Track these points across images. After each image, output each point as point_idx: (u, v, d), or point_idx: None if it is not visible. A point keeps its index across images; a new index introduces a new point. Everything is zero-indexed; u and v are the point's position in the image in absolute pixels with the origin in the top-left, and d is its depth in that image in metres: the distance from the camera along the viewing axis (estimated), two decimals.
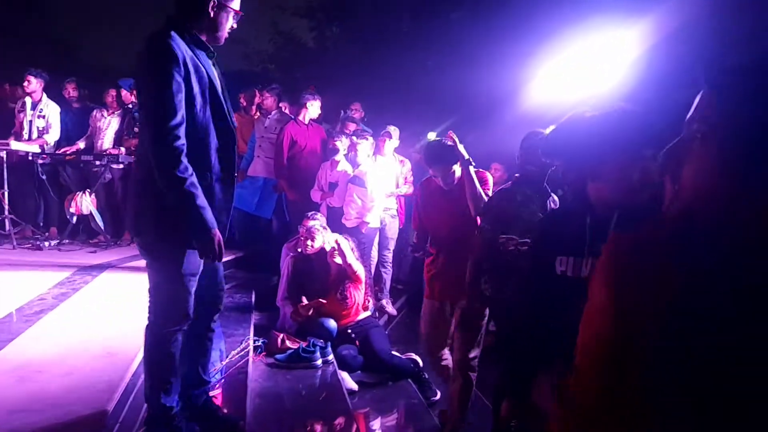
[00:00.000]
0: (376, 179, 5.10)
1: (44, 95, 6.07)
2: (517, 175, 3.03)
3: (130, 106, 5.98)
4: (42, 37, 8.96)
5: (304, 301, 4.18)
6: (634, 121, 1.73)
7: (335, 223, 5.10)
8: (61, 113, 6.16)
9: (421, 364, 4.04)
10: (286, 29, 14.65)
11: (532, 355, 2.01)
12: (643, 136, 1.67)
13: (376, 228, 5.14)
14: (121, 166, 5.87)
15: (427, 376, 3.98)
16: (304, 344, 3.87)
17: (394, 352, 4.13)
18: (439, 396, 3.90)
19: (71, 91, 6.36)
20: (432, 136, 8.31)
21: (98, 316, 3.59)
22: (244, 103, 6.65)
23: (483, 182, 3.32)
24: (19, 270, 4.75)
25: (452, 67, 8.10)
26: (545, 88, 5.17)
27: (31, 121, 5.97)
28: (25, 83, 5.93)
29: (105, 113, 6.18)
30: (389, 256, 5.41)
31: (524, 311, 2.25)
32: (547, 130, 3.34)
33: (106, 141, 6.14)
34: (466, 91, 7.30)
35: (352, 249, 4.29)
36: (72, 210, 5.61)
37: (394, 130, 5.36)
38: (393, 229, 5.42)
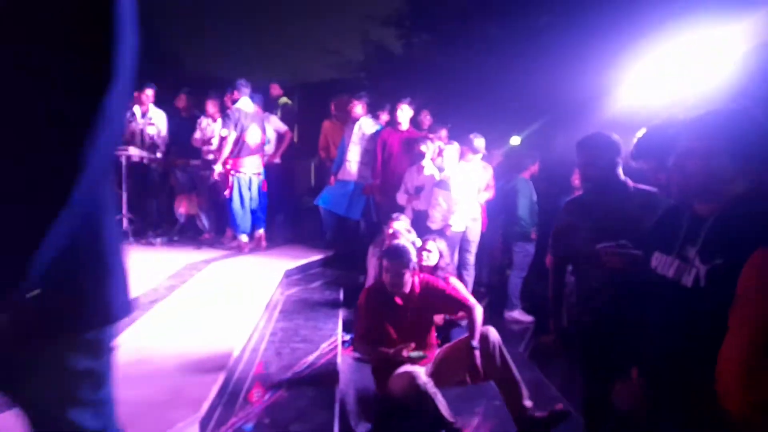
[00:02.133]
0: (461, 183, 5.18)
1: (151, 104, 6.62)
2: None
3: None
4: (148, 50, 9.77)
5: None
6: (740, 122, 1.66)
7: (420, 226, 5.23)
8: (170, 121, 6.73)
9: None
10: (376, 38, 15.04)
11: (615, 357, 2.02)
12: (729, 133, 1.62)
13: (460, 231, 5.20)
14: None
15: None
16: None
17: None
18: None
19: (184, 100, 6.81)
20: (516, 140, 8.26)
21: (204, 305, 3.93)
22: (335, 110, 6.94)
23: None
24: (134, 262, 5.25)
25: (540, 70, 7.98)
26: (636, 89, 5.03)
27: (142, 129, 6.54)
28: (144, 96, 6.50)
29: (210, 122, 6.65)
30: (471, 259, 5.45)
31: (613, 305, 2.23)
32: (639, 133, 3.30)
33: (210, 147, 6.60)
34: (554, 93, 7.20)
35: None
36: (181, 210, 6.13)
37: (480, 143, 5.40)
38: (475, 233, 5.45)
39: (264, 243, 6.17)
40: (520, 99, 8.50)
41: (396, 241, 3.57)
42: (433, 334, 3.50)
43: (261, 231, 6.16)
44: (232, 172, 5.88)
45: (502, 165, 5.94)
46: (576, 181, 4.98)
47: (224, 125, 5.81)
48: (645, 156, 2.88)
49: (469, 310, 3.27)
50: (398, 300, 3.30)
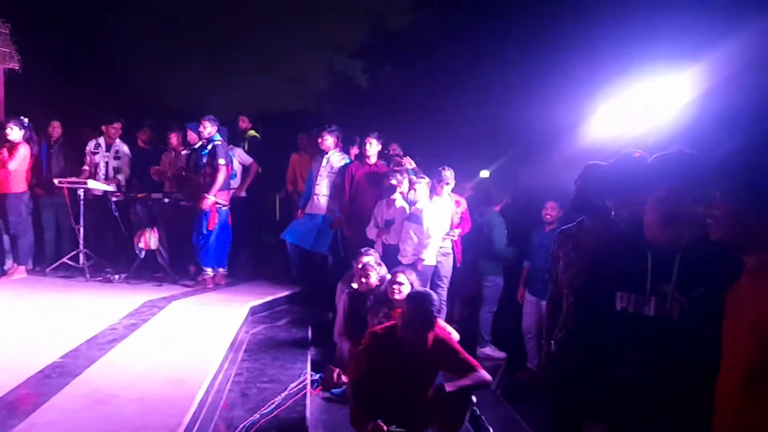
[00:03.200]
0: (432, 217, 5.16)
1: (118, 138, 6.50)
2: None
3: (196, 146, 6.27)
4: (111, 81, 9.58)
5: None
6: (681, 162, 1.77)
7: (391, 260, 5.16)
8: (131, 154, 6.58)
9: (474, 400, 3.97)
10: (341, 69, 15.20)
11: (583, 398, 1.99)
12: (692, 177, 1.70)
13: (431, 265, 5.16)
14: (178, 203, 6.17)
15: (479, 413, 3.90)
16: None
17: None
18: None
19: (147, 133, 6.73)
20: (485, 173, 8.36)
21: (165, 346, 3.74)
22: (303, 143, 6.90)
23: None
24: (91, 299, 5.03)
25: (507, 103, 8.18)
26: (601, 126, 5.16)
27: (107, 162, 6.39)
28: (112, 130, 6.46)
29: (171, 155, 6.53)
30: (444, 294, 5.40)
31: (578, 348, 2.20)
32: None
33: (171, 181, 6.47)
34: (521, 127, 7.35)
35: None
36: (141, 245, 5.91)
37: (449, 174, 5.42)
38: (447, 267, 5.43)
39: (224, 280, 6.05)
40: (487, 132, 8.66)
41: (422, 292, 3.31)
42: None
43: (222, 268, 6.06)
44: (218, 204, 5.81)
45: (473, 198, 5.97)
46: (548, 215, 5.03)
47: (220, 156, 5.78)
48: (605, 193, 2.92)
49: (476, 380, 3.07)
50: (408, 350, 3.08)
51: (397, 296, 3.89)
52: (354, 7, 12.26)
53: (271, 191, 7.71)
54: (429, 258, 5.12)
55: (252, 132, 7.47)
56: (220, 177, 5.75)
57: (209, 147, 5.90)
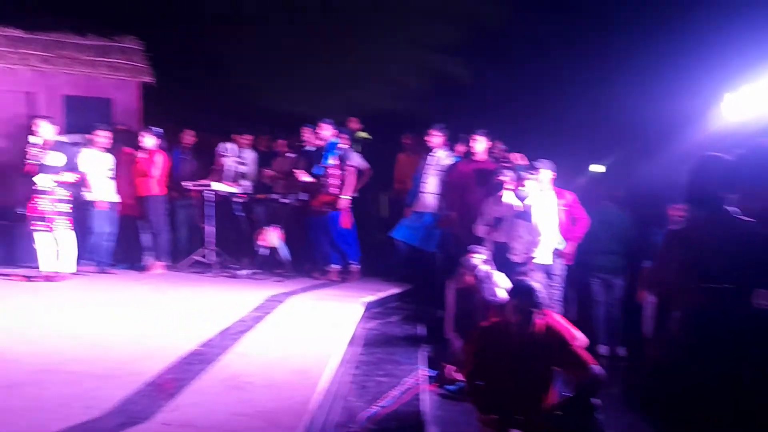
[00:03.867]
0: (543, 213, 5.05)
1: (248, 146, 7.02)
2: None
3: (309, 149, 6.63)
4: (229, 87, 10.25)
5: None
6: None
7: (501, 258, 5.12)
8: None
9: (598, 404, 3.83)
10: (441, 67, 15.11)
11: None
12: None
13: (544, 264, 5.05)
14: (296, 203, 6.55)
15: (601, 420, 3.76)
16: None
17: None
18: None
19: (283, 144, 7.17)
20: (598, 168, 8.00)
21: (290, 338, 3.98)
22: (409, 143, 7.01)
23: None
24: (221, 293, 5.47)
25: (622, 95, 7.75)
26: (728, 114, 4.77)
27: (234, 166, 6.89)
28: (242, 139, 7.06)
29: (280, 159, 6.96)
30: (557, 293, 5.27)
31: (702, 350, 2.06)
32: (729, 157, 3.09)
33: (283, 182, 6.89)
34: (639, 119, 6.94)
35: None
36: (261, 243, 6.32)
37: (545, 164, 5.29)
38: (557, 266, 5.28)
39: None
40: (601, 125, 8.26)
41: (524, 279, 3.33)
42: (554, 392, 3.15)
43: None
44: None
45: (588, 194, 5.77)
46: (674, 212, 4.75)
47: (350, 159, 6.29)
48: (735, 185, 2.69)
49: (590, 379, 2.98)
50: (517, 343, 3.04)
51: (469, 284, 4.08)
52: (454, 4, 12.13)
53: (378, 190, 7.89)
54: (541, 256, 5.01)
55: (363, 133, 7.70)
56: (353, 178, 6.21)
57: (336, 150, 6.21)
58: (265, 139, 7.26)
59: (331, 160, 6.24)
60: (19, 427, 2.40)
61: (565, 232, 5.34)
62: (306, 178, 6.37)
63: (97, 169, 6.33)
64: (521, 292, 3.07)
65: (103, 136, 6.44)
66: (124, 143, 6.81)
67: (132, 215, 6.67)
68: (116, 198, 6.44)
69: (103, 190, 6.34)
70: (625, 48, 7.95)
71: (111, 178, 6.43)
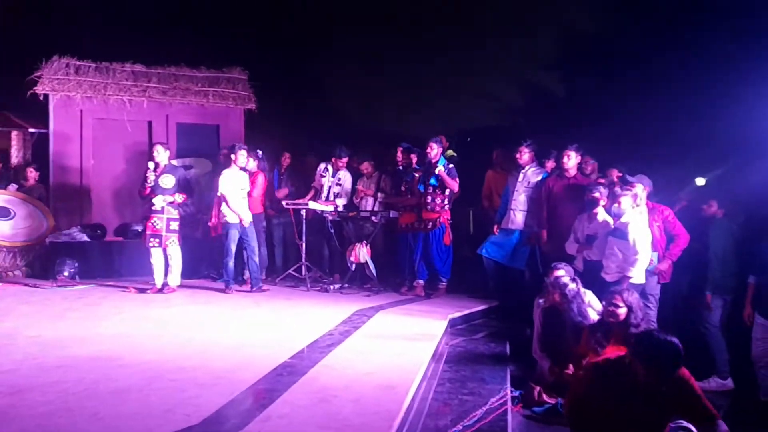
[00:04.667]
0: (639, 231, 4.82)
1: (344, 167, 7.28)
2: None
3: (405, 167, 6.82)
4: (324, 110, 10.72)
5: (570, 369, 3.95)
6: None
7: (594, 278, 4.94)
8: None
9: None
10: (535, 81, 14.84)
11: None
12: None
13: (639, 284, 4.81)
14: (384, 221, 6.75)
15: None
16: (561, 400, 3.80)
17: None
18: None
19: (368, 166, 7.33)
20: (701, 181, 7.49)
21: (375, 352, 4.08)
22: (497, 159, 6.97)
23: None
24: (312, 307, 5.72)
25: (723, 107, 7.25)
26: None
27: (330, 187, 7.21)
28: (340, 162, 7.24)
29: (365, 180, 7.18)
30: (653, 315, 4.99)
31: None
32: None
33: (370, 201, 7.09)
34: (745, 127, 6.45)
35: None
36: (351, 259, 6.53)
37: (641, 179, 5.06)
38: (652, 285, 5.01)
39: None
40: (702, 136, 7.75)
41: (670, 339, 2.85)
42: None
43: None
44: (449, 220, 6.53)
45: (692, 209, 5.45)
46: None
47: (455, 177, 6.47)
48: None
49: (712, 417, 2.80)
50: (638, 387, 2.84)
51: (613, 318, 3.73)
52: (544, 15, 11.92)
53: (464, 206, 7.88)
54: (637, 275, 4.78)
55: (450, 151, 7.76)
56: (455, 196, 6.60)
57: (440, 167, 6.37)
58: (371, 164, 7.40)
59: (440, 168, 6.36)
60: None
61: (662, 250, 5.06)
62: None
63: (236, 187, 6.42)
64: (664, 354, 2.77)
65: (242, 156, 6.51)
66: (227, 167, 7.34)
67: None
68: (249, 216, 6.53)
69: (242, 207, 6.46)
70: (726, 54, 7.44)
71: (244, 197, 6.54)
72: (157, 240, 6.25)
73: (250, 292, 6.44)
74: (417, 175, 6.51)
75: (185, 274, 6.60)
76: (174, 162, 7.16)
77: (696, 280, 5.03)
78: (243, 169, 6.58)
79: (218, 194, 6.38)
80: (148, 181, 6.28)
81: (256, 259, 6.54)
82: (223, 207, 6.38)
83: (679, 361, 2.77)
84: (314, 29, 10.76)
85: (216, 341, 4.32)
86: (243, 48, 9.44)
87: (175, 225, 6.33)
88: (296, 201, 6.98)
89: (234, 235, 6.41)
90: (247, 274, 7.06)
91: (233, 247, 6.42)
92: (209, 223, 7.21)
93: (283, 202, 7.07)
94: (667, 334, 2.84)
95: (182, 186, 6.43)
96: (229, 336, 4.51)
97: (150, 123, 8.23)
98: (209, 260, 7.43)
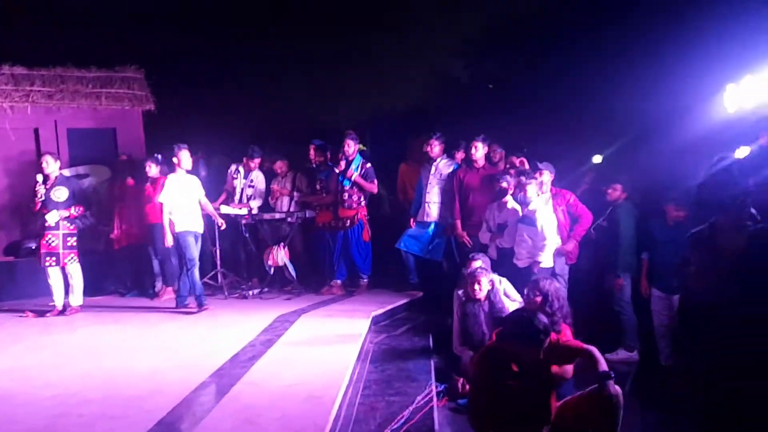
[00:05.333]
0: (546, 217, 5.04)
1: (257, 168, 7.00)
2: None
3: (315, 165, 6.72)
4: (232, 107, 10.32)
5: None
6: None
7: (506, 264, 5.12)
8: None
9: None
10: (443, 68, 15.13)
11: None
12: None
13: (549, 267, 5.04)
14: (300, 221, 6.64)
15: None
16: None
17: None
18: None
19: (281, 165, 7.11)
20: (598, 158, 7.95)
21: (299, 361, 4.00)
22: (409, 152, 7.03)
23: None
24: (231, 316, 5.52)
25: (620, 86, 7.70)
26: (730, 104, 4.73)
27: (242, 189, 6.95)
28: (252, 163, 6.94)
29: (279, 179, 7.01)
30: (562, 293, 5.24)
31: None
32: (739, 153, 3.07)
33: (285, 201, 6.92)
34: (637, 109, 6.89)
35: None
36: (269, 262, 6.37)
37: (546, 166, 5.30)
38: (560, 266, 5.27)
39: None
40: (599, 117, 8.21)
41: (520, 312, 3.18)
42: (553, 398, 3.12)
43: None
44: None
45: (590, 190, 5.76)
46: (672, 210, 4.74)
47: (373, 176, 6.40)
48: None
49: (587, 353, 2.98)
50: (515, 367, 2.98)
51: (477, 295, 4.19)
52: (454, 4, 12.16)
53: (380, 200, 7.87)
54: (546, 260, 5.01)
55: (360, 146, 7.71)
56: (372, 192, 6.50)
57: (357, 166, 6.33)
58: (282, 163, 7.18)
59: (355, 175, 6.30)
60: None
61: (567, 232, 5.31)
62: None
63: (184, 193, 5.88)
64: (529, 328, 2.91)
65: (185, 156, 5.90)
66: (127, 173, 6.91)
67: (139, 243, 6.76)
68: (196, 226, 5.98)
69: (196, 215, 5.97)
70: (627, 40, 7.89)
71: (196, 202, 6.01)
72: (54, 258, 5.78)
73: (198, 311, 5.76)
74: (338, 171, 6.42)
75: (88, 291, 6.17)
76: (65, 172, 6.63)
77: (606, 261, 5.31)
78: (117, 179, 6.34)
79: (159, 202, 5.86)
80: (38, 195, 5.78)
81: (196, 273, 5.88)
82: (174, 215, 5.80)
83: (546, 332, 2.90)
84: (220, 21, 10.31)
85: (127, 366, 4.05)
86: (139, 44, 8.84)
87: (72, 241, 5.88)
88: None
89: (192, 242, 5.82)
90: (159, 286, 6.72)
91: (195, 254, 5.83)
92: (111, 235, 6.81)
93: None
94: (531, 312, 3.03)
95: (78, 198, 5.97)
96: (142, 358, 4.24)
97: (36, 130, 7.53)
98: (114, 275, 7.00)
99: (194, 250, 5.83)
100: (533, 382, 2.99)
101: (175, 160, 5.89)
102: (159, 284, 6.75)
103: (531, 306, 3.90)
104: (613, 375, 2.84)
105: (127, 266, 7.02)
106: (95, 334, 5.10)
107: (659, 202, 5.03)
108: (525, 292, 4.11)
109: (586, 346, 3.08)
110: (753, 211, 2.46)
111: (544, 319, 2.95)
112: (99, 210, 7.06)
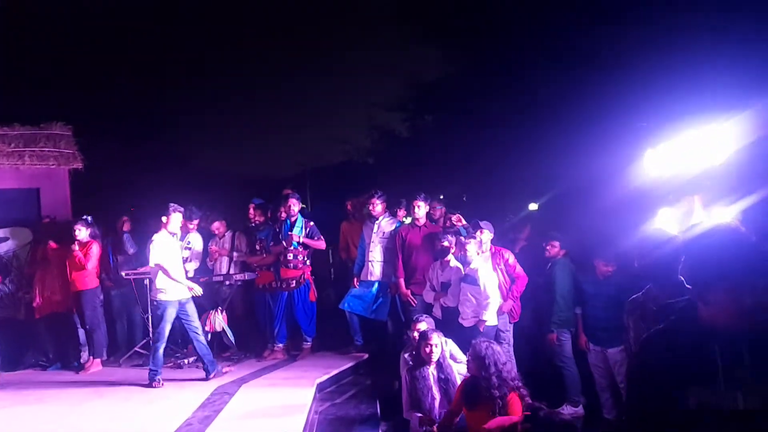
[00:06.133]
0: (487, 276, 5.11)
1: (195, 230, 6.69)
2: None
3: (253, 224, 6.57)
4: (168, 153, 10.10)
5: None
6: (744, 245, 1.68)
7: (450, 323, 5.12)
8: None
9: None
10: (382, 122, 15.52)
11: None
12: (756, 263, 1.61)
13: (493, 325, 5.08)
14: (240, 283, 6.42)
15: None
16: None
17: None
18: None
19: (219, 226, 6.84)
20: (534, 206, 8.28)
21: None
22: (351, 209, 7.01)
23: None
24: (165, 389, 5.18)
25: (549, 146, 8.11)
26: (652, 168, 5.04)
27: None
28: (190, 224, 6.58)
29: (217, 240, 6.77)
30: (510, 350, 5.28)
31: None
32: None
33: (224, 262, 6.70)
34: (566, 172, 7.25)
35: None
36: (207, 328, 6.08)
37: (485, 225, 5.44)
38: (503, 322, 5.33)
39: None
40: (532, 177, 8.60)
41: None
42: None
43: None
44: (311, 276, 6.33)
45: (529, 246, 5.92)
46: (601, 266, 4.93)
47: (318, 234, 6.28)
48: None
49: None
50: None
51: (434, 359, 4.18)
52: (390, 61, 12.61)
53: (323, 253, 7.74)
54: (490, 318, 5.04)
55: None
56: (320, 249, 6.46)
57: (301, 224, 6.25)
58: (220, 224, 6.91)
59: (301, 236, 6.18)
60: None
61: (506, 291, 5.39)
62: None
63: (173, 255, 5.52)
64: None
65: (176, 218, 5.54)
66: (50, 236, 6.51)
67: (63, 312, 6.33)
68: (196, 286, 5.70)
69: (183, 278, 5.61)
70: (554, 103, 8.38)
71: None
72: None
73: (207, 379, 5.38)
74: (278, 229, 6.30)
75: (6, 365, 5.68)
76: None
77: (543, 318, 5.42)
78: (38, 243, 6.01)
79: (151, 265, 5.39)
80: None
81: (202, 339, 5.53)
82: (158, 280, 5.36)
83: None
84: (147, 73, 10.17)
85: None
86: (66, 100, 8.55)
87: None
88: (138, 270, 6.33)
89: (171, 315, 5.38)
90: (85, 357, 6.27)
91: (167, 329, 5.40)
92: (33, 303, 6.34)
93: (123, 273, 6.40)
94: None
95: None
96: None
97: None
98: (35, 346, 6.48)
99: (168, 325, 5.40)
100: None
101: (164, 219, 5.46)
102: (85, 355, 6.29)
103: (470, 371, 3.92)
104: None
105: (50, 336, 6.52)
106: (16, 416, 4.63)
107: (590, 258, 5.23)
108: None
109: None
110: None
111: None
112: (20, 276, 6.59)
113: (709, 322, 1.70)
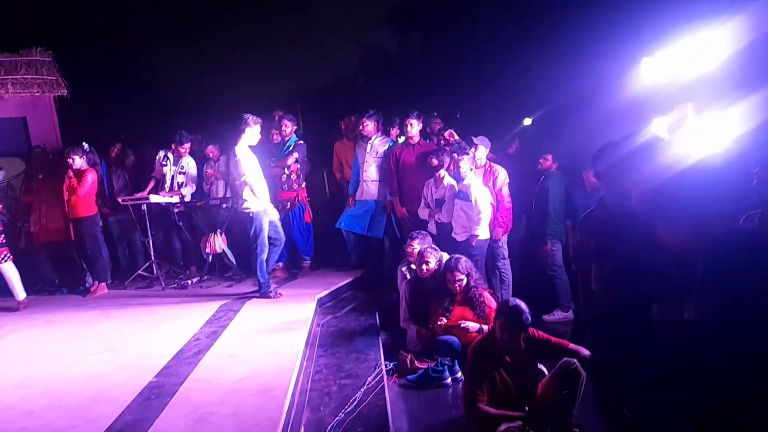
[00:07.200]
0: (480, 191, 5.18)
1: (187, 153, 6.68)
2: None
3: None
4: (153, 90, 9.85)
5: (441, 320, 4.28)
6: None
7: (445, 239, 5.24)
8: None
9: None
10: (371, 39, 15.02)
11: None
12: None
13: (486, 239, 5.21)
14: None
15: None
16: (432, 364, 4.06)
17: None
18: None
19: (213, 150, 6.85)
20: (528, 121, 8.25)
21: (247, 353, 3.97)
22: (344, 130, 6.96)
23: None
24: (171, 308, 5.37)
25: (543, 59, 7.94)
26: (647, 76, 4.99)
27: (173, 176, 6.64)
28: (182, 149, 6.58)
29: (212, 164, 6.75)
30: (506, 264, 5.46)
31: None
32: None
33: (220, 186, 6.72)
34: (561, 80, 7.15)
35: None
36: (207, 250, 6.21)
37: (481, 140, 5.43)
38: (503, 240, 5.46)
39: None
40: (528, 85, 8.48)
41: (513, 300, 3.22)
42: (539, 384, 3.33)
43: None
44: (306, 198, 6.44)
45: (523, 156, 5.98)
46: (589, 177, 4.99)
47: (305, 154, 6.32)
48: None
49: (574, 352, 3.21)
50: (507, 357, 3.18)
51: (425, 274, 4.43)
52: None
53: (317, 170, 7.75)
54: (482, 232, 5.16)
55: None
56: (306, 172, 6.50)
57: (296, 145, 6.29)
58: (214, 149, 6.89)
59: (293, 156, 6.20)
60: None
61: (495, 209, 5.47)
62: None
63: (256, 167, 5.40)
64: (509, 314, 3.12)
65: (255, 130, 5.33)
66: (44, 165, 6.48)
67: (62, 240, 6.41)
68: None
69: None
70: (546, 13, 8.10)
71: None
72: None
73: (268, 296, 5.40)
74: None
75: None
76: None
77: (537, 229, 5.56)
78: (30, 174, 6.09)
79: (241, 180, 5.24)
80: None
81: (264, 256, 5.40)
82: (245, 193, 5.26)
83: (524, 322, 3.12)
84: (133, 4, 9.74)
85: (66, 372, 3.87)
86: (49, 28, 8.20)
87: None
88: (134, 196, 6.37)
89: (266, 223, 5.30)
90: (90, 282, 6.43)
91: (266, 239, 5.33)
92: (31, 230, 6.42)
93: (119, 199, 6.44)
94: (515, 300, 3.21)
95: None
96: (81, 363, 4.05)
97: None
98: (39, 274, 6.62)
99: (265, 234, 5.35)
100: (522, 370, 3.19)
101: (249, 129, 5.25)
102: (90, 280, 6.45)
103: (458, 288, 4.25)
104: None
105: (51, 264, 6.65)
106: (29, 339, 4.83)
107: (579, 173, 5.29)
108: (448, 277, 4.31)
109: (560, 340, 3.31)
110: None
111: (526, 308, 3.13)
112: (15, 206, 6.62)
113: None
